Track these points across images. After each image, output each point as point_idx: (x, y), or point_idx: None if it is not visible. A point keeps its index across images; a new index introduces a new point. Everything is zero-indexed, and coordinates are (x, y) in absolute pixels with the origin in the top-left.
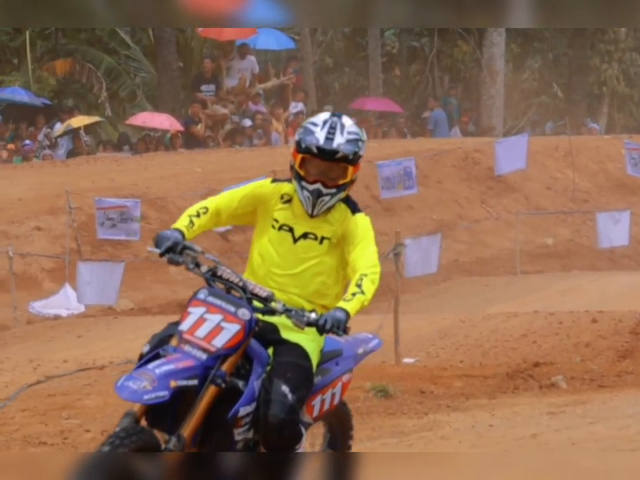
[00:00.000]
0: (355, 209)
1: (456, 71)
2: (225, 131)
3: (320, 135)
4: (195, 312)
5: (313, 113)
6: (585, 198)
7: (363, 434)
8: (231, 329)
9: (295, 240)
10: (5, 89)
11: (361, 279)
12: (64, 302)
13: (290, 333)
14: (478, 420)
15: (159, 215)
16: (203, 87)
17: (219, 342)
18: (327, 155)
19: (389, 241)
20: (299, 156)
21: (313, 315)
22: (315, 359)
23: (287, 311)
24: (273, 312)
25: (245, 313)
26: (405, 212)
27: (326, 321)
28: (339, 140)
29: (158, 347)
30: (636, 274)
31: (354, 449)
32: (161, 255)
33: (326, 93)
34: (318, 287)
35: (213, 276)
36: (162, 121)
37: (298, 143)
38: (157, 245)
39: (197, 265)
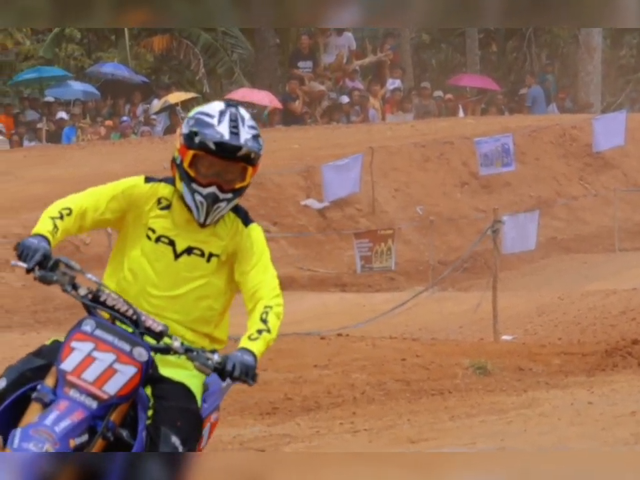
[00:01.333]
0: (246, 219)
1: (553, 48)
2: (322, 108)
3: (222, 129)
4: (81, 348)
5: (410, 90)
6: None
7: (461, 411)
8: (126, 372)
9: (177, 255)
10: (105, 64)
11: (266, 313)
12: None
13: (170, 369)
14: (576, 397)
15: (257, 192)
16: (300, 64)
17: (112, 388)
18: (228, 152)
19: (487, 218)
20: (190, 152)
21: (216, 357)
22: (199, 398)
23: (187, 351)
24: (168, 351)
25: (141, 353)
26: (502, 189)
27: (234, 366)
28: (244, 135)
29: (18, 384)
30: None
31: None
32: (29, 271)
33: (423, 69)
34: (202, 313)
35: (94, 301)
36: (261, 97)
37: (188, 137)
38: (22, 257)
39: (75, 287)
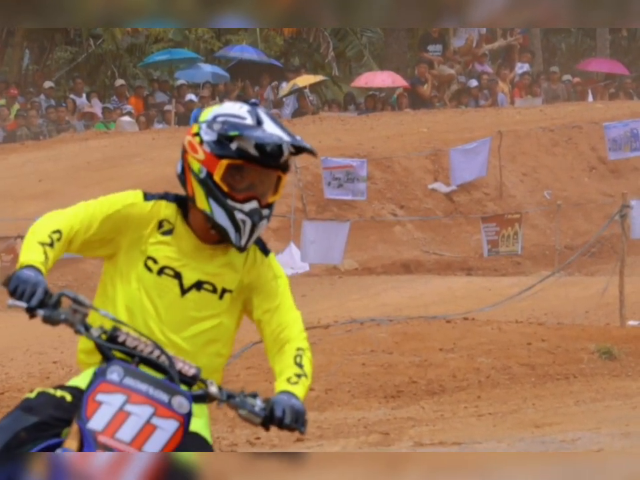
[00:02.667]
0: (264, 246)
1: None
2: (451, 91)
3: (270, 129)
4: (110, 401)
5: (539, 74)
6: None
7: (587, 396)
8: (168, 428)
9: (184, 291)
10: (234, 47)
11: (300, 356)
12: (289, 261)
13: None
14: None
15: (384, 175)
16: (430, 47)
17: (154, 448)
18: (273, 158)
19: (615, 202)
20: (223, 163)
21: (259, 402)
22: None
23: (230, 398)
24: (207, 398)
25: (182, 404)
26: (631, 174)
27: (284, 412)
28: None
29: (13, 447)
30: None
31: None
32: (31, 310)
33: (552, 53)
34: (210, 360)
35: (111, 342)
36: (384, 79)
37: (219, 143)
38: (18, 294)
39: (86, 327)
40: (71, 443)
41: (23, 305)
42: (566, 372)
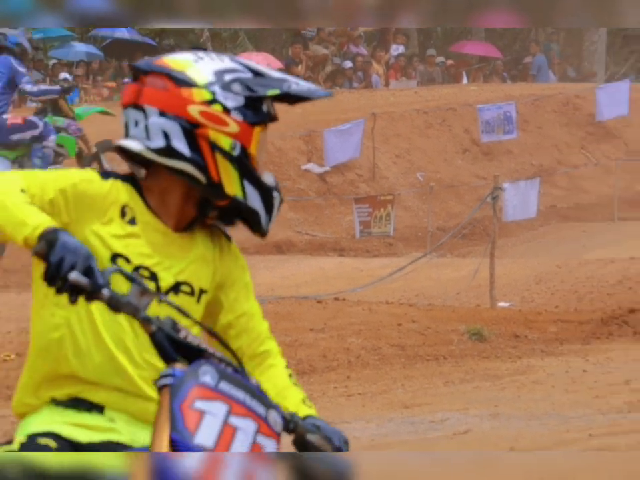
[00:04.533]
0: (226, 231)
1: None
2: (325, 73)
3: (287, 77)
4: (212, 410)
5: (414, 56)
6: None
7: (456, 377)
8: (271, 448)
9: (161, 296)
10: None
11: (291, 375)
12: None
13: None
14: (571, 365)
15: None
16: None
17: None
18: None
19: (487, 185)
20: (257, 130)
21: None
22: None
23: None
24: (289, 424)
25: (276, 421)
26: (504, 156)
27: (342, 442)
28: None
29: None
30: None
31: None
32: (97, 290)
33: (428, 36)
34: None
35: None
36: (259, 61)
37: (248, 108)
38: (60, 267)
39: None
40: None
41: (85, 281)
42: (436, 353)
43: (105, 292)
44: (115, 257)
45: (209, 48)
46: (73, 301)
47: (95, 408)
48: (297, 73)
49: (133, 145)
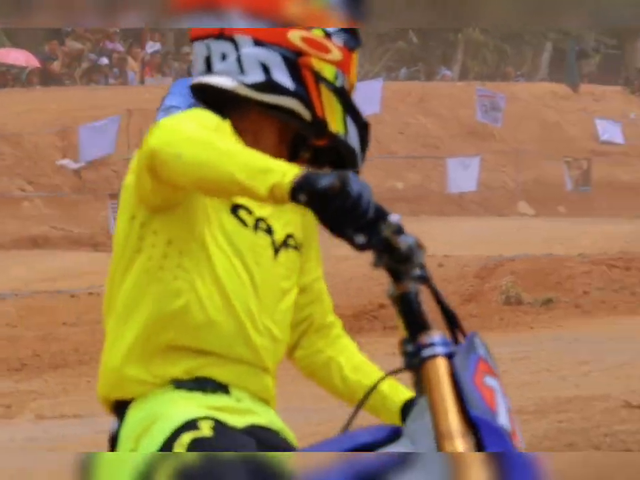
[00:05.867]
0: None
1: None
2: (81, 69)
3: None
4: (497, 388)
5: (169, 53)
6: (435, 144)
7: None
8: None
9: (276, 252)
10: None
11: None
12: None
13: None
14: None
15: (13, 151)
16: None
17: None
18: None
19: None
20: (354, 56)
21: None
22: None
23: None
24: None
25: None
26: None
27: None
28: None
29: None
30: (482, 220)
31: None
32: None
33: (184, 33)
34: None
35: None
36: (17, 57)
37: (347, 31)
38: (356, 209)
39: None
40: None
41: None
42: None
43: (405, 240)
44: (235, 207)
45: None
46: (379, 263)
47: (220, 388)
48: (53, 69)
49: (224, 81)
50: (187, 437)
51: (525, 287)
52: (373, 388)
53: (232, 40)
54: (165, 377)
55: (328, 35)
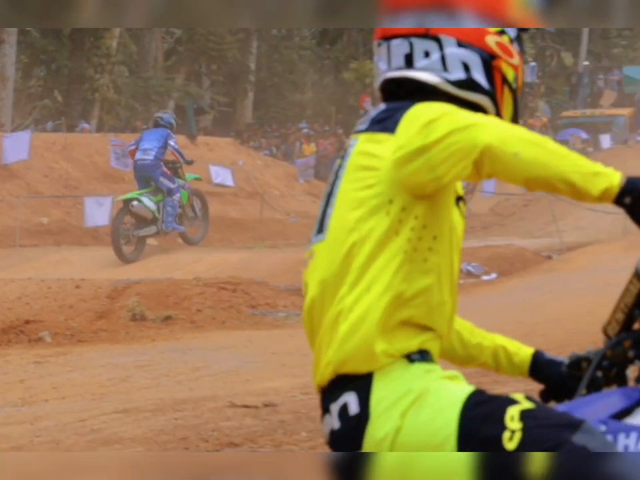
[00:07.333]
0: None
1: None
2: None
3: None
4: None
5: None
6: (76, 185)
7: None
8: None
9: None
10: None
11: None
12: None
13: None
14: None
15: None
16: None
17: None
18: None
19: None
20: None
21: None
22: None
23: None
24: None
25: None
26: None
27: None
28: None
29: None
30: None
31: None
32: None
33: None
34: None
35: None
36: None
37: (519, 38)
38: None
39: None
40: None
41: None
42: None
43: None
44: (458, 199)
45: None
46: None
47: (433, 361)
48: None
49: (429, 76)
50: (514, 410)
51: (149, 306)
52: (602, 353)
53: (437, 39)
54: (403, 351)
55: (511, 41)
